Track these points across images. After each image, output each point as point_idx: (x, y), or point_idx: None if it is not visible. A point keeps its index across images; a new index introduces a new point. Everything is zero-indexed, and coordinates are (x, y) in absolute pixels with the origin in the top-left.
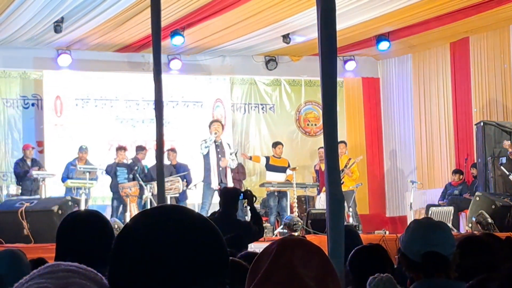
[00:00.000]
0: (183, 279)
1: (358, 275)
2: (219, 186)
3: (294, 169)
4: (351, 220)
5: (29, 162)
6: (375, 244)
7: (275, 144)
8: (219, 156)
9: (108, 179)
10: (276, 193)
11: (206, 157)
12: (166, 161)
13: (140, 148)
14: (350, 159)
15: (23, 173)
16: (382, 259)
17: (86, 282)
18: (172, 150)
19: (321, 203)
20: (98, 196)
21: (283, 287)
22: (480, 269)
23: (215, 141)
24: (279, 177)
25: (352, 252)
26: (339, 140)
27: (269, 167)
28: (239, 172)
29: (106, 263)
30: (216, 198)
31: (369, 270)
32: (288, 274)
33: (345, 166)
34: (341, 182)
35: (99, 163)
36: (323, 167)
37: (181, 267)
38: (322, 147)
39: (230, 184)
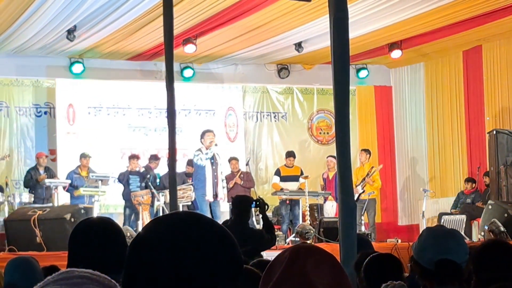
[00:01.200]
0: (197, 285)
1: (373, 282)
2: (214, 198)
3: (306, 177)
4: (363, 229)
5: (41, 171)
6: (388, 253)
7: (288, 155)
8: (214, 167)
9: (120, 187)
10: (288, 201)
11: (201, 168)
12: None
13: (154, 158)
14: (372, 167)
15: (32, 183)
16: (397, 267)
17: None
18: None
19: (326, 211)
20: (110, 204)
21: None
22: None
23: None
24: (291, 185)
25: (367, 259)
26: (359, 148)
27: (282, 178)
28: (248, 180)
29: (119, 270)
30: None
31: (383, 278)
32: (301, 282)
33: (367, 174)
34: (363, 190)
35: (111, 171)
36: (330, 175)
37: (195, 273)
38: (330, 156)
39: (222, 195)
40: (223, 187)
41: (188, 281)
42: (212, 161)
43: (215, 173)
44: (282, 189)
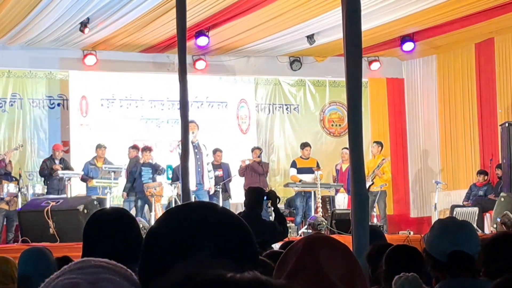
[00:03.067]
0: (212, 276)
1: (392, 273)
2: (196, 187)
3: (317, 169)
4: (375, 221)
5: (57, 162)
6: (411, 246)
7: (303, 146)
8: (197, 156)
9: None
10: (303, 193)
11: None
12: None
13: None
14: (383, 159)
15: (47, 174)
16: (419, 259)
17: (116, 278)
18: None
19: (338, 203)
20: (120, 196)
21: (310, 285)
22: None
23: (192, 142)
24: (307, 177)
25: (388, 250)
26: (371, 140)
27: (299, 170)
28: (261, 167)
29: (134, 260)
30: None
31: (405, 269)
32: (314, 272)
33: (377, 166)
34: (372, 182)
35: (124, 163)
36: (344, 167)
37: (210, 264)
38: (345, 148)
39: (208, 185)
40: (211, 178)
41: (203, 272)
42: (196, 150)
43: (199, 162)
44: (300, 180)
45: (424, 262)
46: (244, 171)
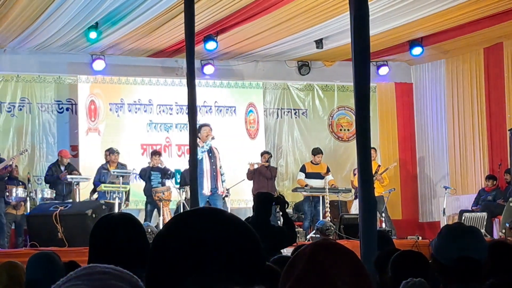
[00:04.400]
0: (219, 282)
1: (399, 279)
2: (210, 192)
3: (326, 173)
4: (383, 225)
5: (62, 168)
6: (415, 251)
7: (316, 152)
8: (212, 160)
9: (142, 183)
10: (311, 198)
11: (199, 161)
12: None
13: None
14: (379, 166)
15: (53, 180)
16: (424, 264)
17: (123, 284)
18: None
19: (354, 209)
20: (131, 200)
21: None
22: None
23: (210, 148)
24: (316, 183)
25: (393, 256)
26: (378, 145)
27: (307, 175)
28: (268, 171)
29: (140, 265)
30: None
31: (410, 275)
32: (321, 278)
33: (375, 172)
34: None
35: (132, 167)
36: None
37: (217, 269)
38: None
39: (221, 189)
40: (223, 181)
41: (210, 278)
42: (210, 154)
43: (214, 166)
44: (307, 185)
45: (430, 267)
46: (253, 175)
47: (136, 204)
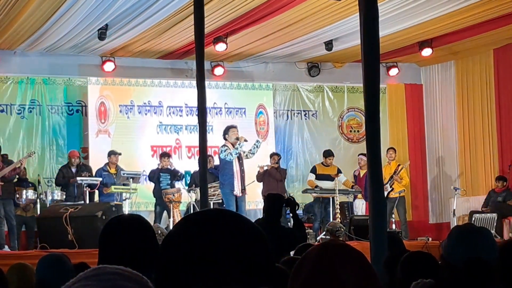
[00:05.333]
0: (228, 283)
1: (408, 280)
2: (241, 193)
3: (337, 175)
4: (393, 227)
5: (73, 169)
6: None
7: (327, 154)
8: (240, 161)
9: (151, 185)
10: (321, 199)
11: (229, 163)
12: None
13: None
14: (399, 165)
15: (64, 182)
16: (434, 266)
17: (132, 285)
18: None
19: (356, 209)
20: (141, 202)
21: None
22: None
23: (242, 151)
24: (326, 184)
25: (402, 258)
26: (388, 146)
27: (318, 177)
28: (278, 173)
29: (150, 267)
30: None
31: (419, 276)
32: (329, 280)
33: (395, 172)
34: (391, 188)
35: (142, 169)
36: (362, 173)
37: (227, 271)
38: (361, 154)
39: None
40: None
41: (219, 279)
42: (239, 156)
43: (242, 167)
44: (317, 186)
45: (439, 268)
46: (262, 177)
47: (146, 206)
